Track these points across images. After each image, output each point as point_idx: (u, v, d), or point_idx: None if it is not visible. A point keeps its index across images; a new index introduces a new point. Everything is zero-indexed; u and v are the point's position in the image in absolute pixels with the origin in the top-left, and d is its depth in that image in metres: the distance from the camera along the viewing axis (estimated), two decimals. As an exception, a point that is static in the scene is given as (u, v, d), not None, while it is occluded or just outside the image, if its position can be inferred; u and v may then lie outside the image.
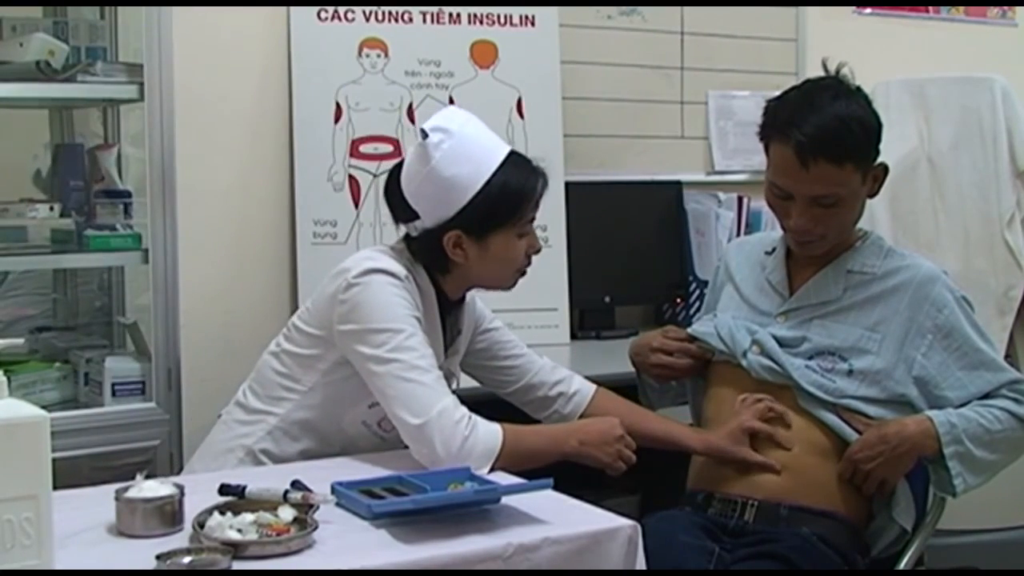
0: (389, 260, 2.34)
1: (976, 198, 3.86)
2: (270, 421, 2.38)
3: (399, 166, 2.43)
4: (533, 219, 2.41)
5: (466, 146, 2.34)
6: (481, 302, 2.60)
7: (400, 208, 2.40)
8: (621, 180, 3.95)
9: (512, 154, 2.38)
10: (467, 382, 2.63)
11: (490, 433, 2.22)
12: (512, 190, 2.34)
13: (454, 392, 2.32)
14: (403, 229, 2.44)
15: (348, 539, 1.83)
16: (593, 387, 2.63)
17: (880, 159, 2.47)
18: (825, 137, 2.36)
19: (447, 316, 2.46)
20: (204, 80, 3.20)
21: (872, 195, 2.52)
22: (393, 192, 2.42)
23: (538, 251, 2.44)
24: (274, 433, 2.37)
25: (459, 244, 2.35)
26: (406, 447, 2.26)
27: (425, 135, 2.32)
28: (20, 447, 1.61)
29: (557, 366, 2.64)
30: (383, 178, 3.37)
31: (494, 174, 2.33)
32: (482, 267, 2.39)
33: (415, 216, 2.37)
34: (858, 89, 2.47)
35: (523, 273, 2.46)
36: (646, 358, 2.68)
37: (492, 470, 2.18)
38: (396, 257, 2.37)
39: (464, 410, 2.22)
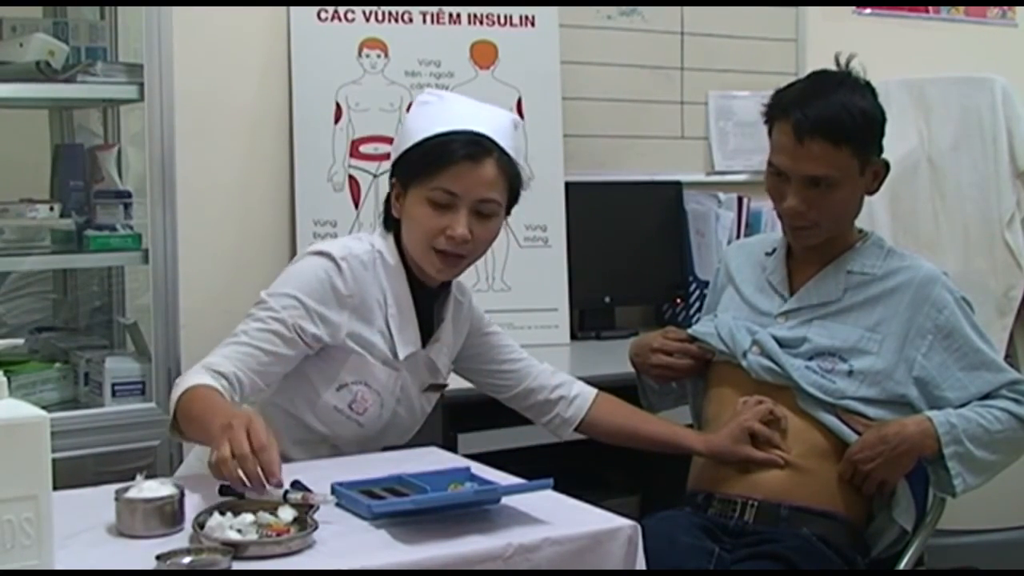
0: (346, 242, 2.36)
1: (976, 198, 3.87)
2: (250, 411, 2.36)
3: None
4: (453, 194, 2.28)
5: (440, 109, 2.36)
6: (479, 305, 2.59)
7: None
8: (621, 180, 3.95)
9: (475, 132, 2.30)
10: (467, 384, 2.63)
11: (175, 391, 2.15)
12: (431, 146, 2.29)
13: (438, 387, 2.40)
14: None
15: (348, 539, 1.83)
16: (594, 391, 2.61)
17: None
18: (825, 117, 2.38)
19: (429, 302, 2.43)
20: (204, 80, 3.20)
21: (872, 192, 2.52)
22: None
23: (455, 236, 2.28)
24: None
25: (399, 197, 2.36)
26: (387, 434, 2.33)
27: (422, 92, 2.41)
28: (20, 447, 1.61)
29: (557, 371, 2.62)
30: (383, 178, 3.40)
31: (442, 133, 2.30)
32: (405, 226, 2.36)
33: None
34: (867, 84, 2.48)
35: (440, 255, 2.31)
36: (646, 359, 2.68)
37: (177, 428, 2.13)
38: (364, 239, 2.39)
39: (207, 365, 2.18)
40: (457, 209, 2.29)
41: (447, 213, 2.29)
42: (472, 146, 2.29)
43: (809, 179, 2.42)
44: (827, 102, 2.39)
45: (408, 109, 3.37)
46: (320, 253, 2.32)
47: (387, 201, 2.42)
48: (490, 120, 2.36)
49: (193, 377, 2.16)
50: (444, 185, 2.28)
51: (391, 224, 2.40)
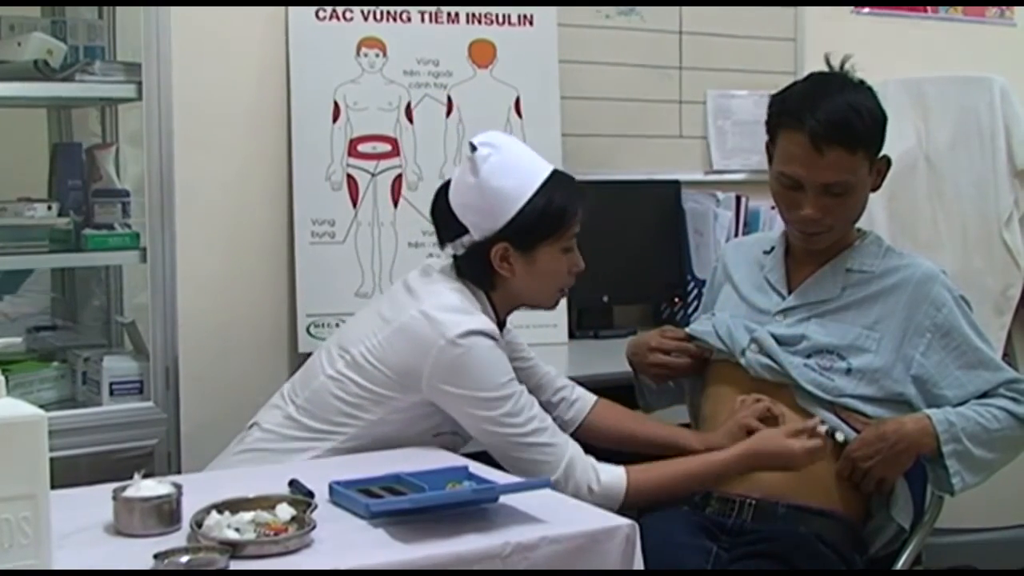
0: (479, 315, 2.36)
1: (974, 197, 3.87)
2: (328, 444, 2.36)
3: (446, 185, 2.46)
4: (575, 235, 2.45)
5: (512, 160, 2.40)
6: None
7: (449, 224, 2.42)
8: (619, 179, 3.94)
9: (556, 171, 2.44)
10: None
11: (613, 478, 2.30)
12: (557, 204, 2.40)
13: None
14: (438, 254, 2.50)
15: (346, 538, 1.83)
16: (594, 397, 2.67)
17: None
18: (839, 123, 2.37)
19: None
20: (202, 79, 3.20)
21: (875, 188, 2.52)
22: (442, 209, 2.44)
23: (581, 270, 2.49)
24: (336, 451, 2.36)
25: (506, 258, 2.39)
26: None
27: (474, 148, 2.37)
28: (18, 446, 1.61)
29: (560, 375, 2.68)
30: (381, 177, 3.40)
31: (540, 188, 2.38)
32: (528, 282, 2.42)
33: (463, 231, 2.39)
34: (862, 82, 2.48)
35: (564, 292, 2.52)
36: (644, 358, 2.68)
37: (623, 511, 2.23)
38: (473, 301, 2.40)
39: (585, 459, 2.32)
40: (575, 246, 2.46)
41: (571, 253, 2.46)
42: (585, 192, 2.48)
43: (826, 186, 2.41)
44: (836, 106, 2.38)
45: (407, 111, 3.41)
46: (483, 334, 2.32)
47: (466, 259, 2.42)
48: (537, 155, 2.48)
49: (596, 478, 2.30)
50: (574, 230, 2.45)
51: (491, 282, 2.43)
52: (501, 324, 2.47)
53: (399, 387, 2.34)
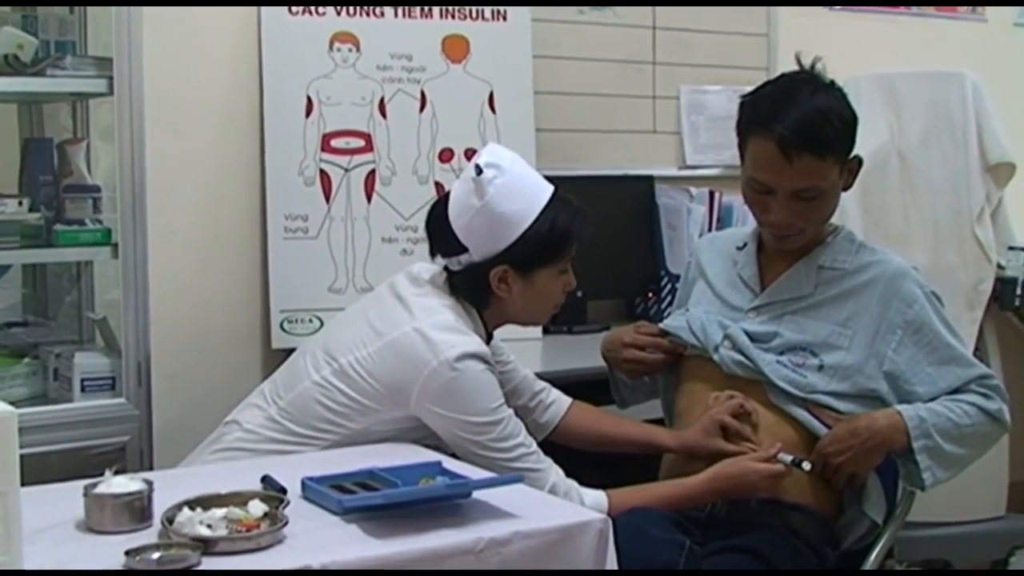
0: (472, 336, 2.35)
1: (946, 192, 3.88)
2: (310, 450, 2.34)
3: (441, 201, 2.44)
4: (572, 257, 2.45)
5: (517, 183, 2.38)
6: None
7: (446, 241, 2.41)
8: (593, 175, 3.94)
9: (556, 192, 2.43)
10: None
11: (596, 503, 2.30)
12: (560, 228, 2.39)
13: None
14: (429, 264, 2.49)
15: (319, 534, 1.82)
16: (569, 400, 2.68)
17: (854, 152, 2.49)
18: (808, 130, 2.36)
19: None
20: (174, 74, 3.18)
21: (847, 188, 2.52)
22: (439, 225, 2.42)
23: (573, 288, 2.49)
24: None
25: (504, 279, 2.38)
26: None
27: (479, 170, 2.34)
28: (-12, 443, 1.60)
29: (537, 379, 2.69)
30: (354, 172, 3.40)
31: (543, 211, 2.38)
32: (523, 303, 2.43)
33: (462, 250, 2.38)
34: (832, 83, 2.48)
35: (556, 310, 2.52)
36: (618, 353, 2.68)
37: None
38: (467, 320, 2.39)
39: (567, 482, 2.33)
40: (570, 266, 2.47)
41: (566, 274, 2.46)
42: (585, 214, 2.45)
43: (796, 192, 2.42)
44: (804, 112, 2.37)
45: (381, 106, 3.40)
46: (477, 357, 2.31)
47: (462, 276, 2.41)
48: (538, 174, 2.48)
49: (578, 500, 2.31)
50: (572, 252, 2.44)
51: (485, 300, 2.43)
52: (488, 337, 2.47)
53: (387, 401, 2.33)
